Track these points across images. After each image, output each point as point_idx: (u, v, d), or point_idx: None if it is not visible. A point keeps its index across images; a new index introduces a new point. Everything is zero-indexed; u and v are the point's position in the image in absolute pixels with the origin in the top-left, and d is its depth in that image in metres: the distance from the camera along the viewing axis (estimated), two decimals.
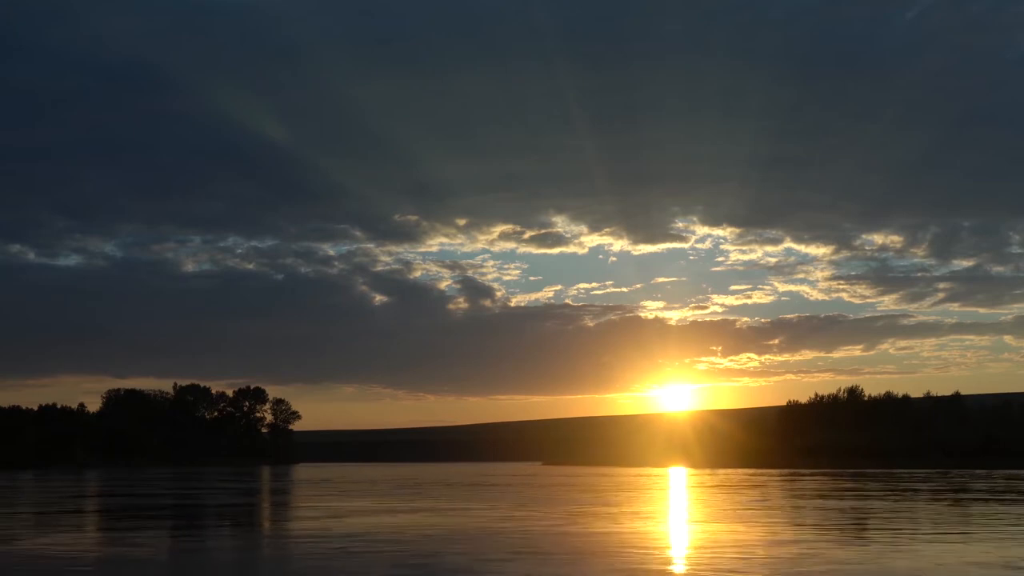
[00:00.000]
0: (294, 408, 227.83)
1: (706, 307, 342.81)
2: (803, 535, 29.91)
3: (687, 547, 27.00)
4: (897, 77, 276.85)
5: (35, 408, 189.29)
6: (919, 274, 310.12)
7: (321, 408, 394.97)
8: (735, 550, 25.47)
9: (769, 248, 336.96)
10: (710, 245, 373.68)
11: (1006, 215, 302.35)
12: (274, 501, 55.42)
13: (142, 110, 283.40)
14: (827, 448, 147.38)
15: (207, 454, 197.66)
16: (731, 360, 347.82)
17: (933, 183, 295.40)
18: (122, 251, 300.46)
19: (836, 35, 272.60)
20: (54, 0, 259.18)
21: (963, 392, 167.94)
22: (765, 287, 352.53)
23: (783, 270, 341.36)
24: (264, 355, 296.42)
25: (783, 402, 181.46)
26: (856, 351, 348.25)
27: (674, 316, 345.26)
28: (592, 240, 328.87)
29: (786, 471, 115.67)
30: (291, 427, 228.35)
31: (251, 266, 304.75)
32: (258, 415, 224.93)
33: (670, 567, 22.41)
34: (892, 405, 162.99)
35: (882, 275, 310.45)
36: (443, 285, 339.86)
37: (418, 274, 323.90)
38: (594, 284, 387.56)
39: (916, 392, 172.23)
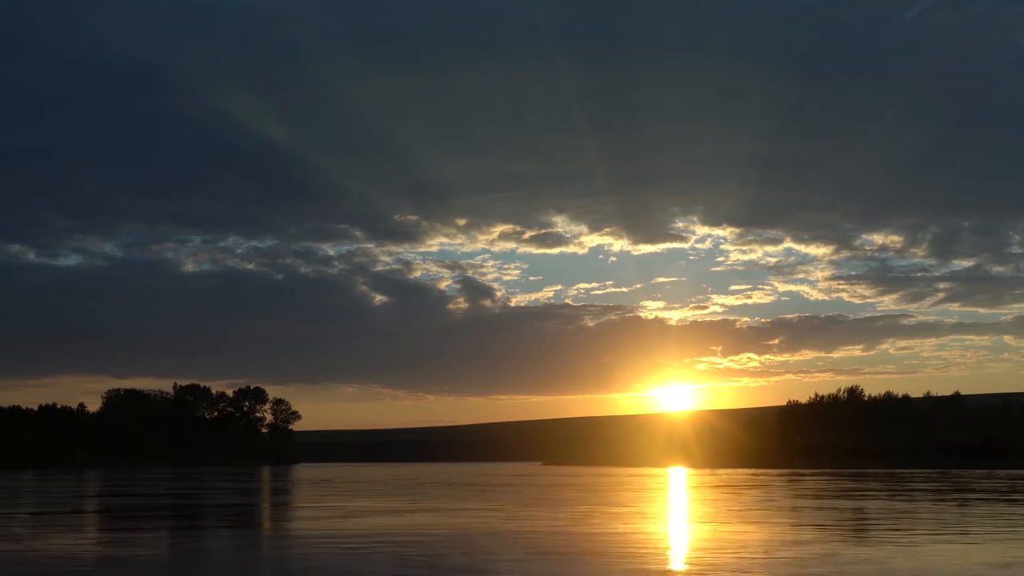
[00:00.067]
0: (294, 408, 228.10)
1: (706, 307, 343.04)
2: (818, 536, 29.91)
3: (702, 548, 26.71)
4: (897, 77, 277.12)
5: (35, 408, 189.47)
6: (919, 274, 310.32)
7: (321, 408, 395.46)
8: (752, 551, 25.46)
9: (769, 248, 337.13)
10: (710, 245, 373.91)
11: (1006, 215, 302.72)
12: (279, 501, 55.41)
13: (142, 110, 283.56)
14: (827, 448, 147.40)
15: (207, 454, 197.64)
16: (731, 360, 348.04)
17: (933, 183, 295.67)
18: (122, 251, 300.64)
19: (836, 35, 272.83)
20: (54, 0, 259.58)
21: (963, 392, 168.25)
22: (765, 287, 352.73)
23: (783, 270, 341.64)
24: (264, 355, 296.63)
25: (783, 402, 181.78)
26: (856, 351, 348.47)
27: (674, 316, 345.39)
28: (592, 240, 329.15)
29: (786, 471, 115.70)
30: (291, 427, 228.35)
31: (251, 266, 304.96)
32: (258, 415, 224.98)
33: (688, 568, 22.24)
34: (892, 405, 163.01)
35: (882, 275, 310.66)
36: (443, 285, 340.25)
37: (418, 274, 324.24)
38: (594, 284, 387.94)
39: (916, 392, 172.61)
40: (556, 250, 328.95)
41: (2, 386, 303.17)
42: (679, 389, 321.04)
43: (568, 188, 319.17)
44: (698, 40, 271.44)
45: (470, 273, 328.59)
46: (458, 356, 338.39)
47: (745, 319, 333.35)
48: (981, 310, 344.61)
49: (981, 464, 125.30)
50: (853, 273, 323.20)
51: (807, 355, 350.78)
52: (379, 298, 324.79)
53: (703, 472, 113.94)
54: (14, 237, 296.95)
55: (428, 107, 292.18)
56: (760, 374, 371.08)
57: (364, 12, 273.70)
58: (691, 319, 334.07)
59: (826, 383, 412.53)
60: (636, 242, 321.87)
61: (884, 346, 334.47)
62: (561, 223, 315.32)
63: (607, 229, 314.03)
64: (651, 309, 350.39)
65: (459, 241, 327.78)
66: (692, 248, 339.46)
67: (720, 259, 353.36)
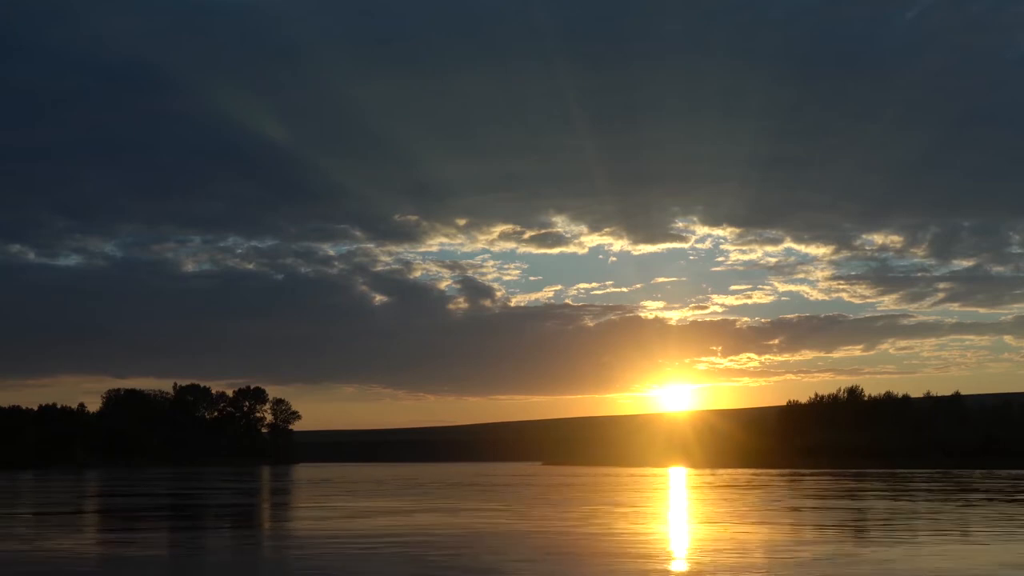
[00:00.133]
0: (294, 408, 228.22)
1: (706, 307, 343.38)
2: (832, 536, 29.90)
3: (720, 549, 26.32)
4: (897, 77, 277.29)
5: (35, 408, 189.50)
6: (919, 274, 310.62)
7: (321, 408, 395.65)
8: (767, 551, 25.43)
9: (769, 248, 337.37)
10: (710, 245, 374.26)
11: (1006, 215, 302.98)
12: (282, 502, 55.36)
13: (142, 110, 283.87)
14: (827, 448, 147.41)
15: (207, 454, 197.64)
16: (731, 360, 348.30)
17: (933, 183, 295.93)
18: (122, 251, 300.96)
19: (836, 35, 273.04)
20: (54, 0, 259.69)
21: (963, 392, 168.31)
22: (765, 287, 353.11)
23: (783, 270, 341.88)
24: (264, 355, 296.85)
25: (783, 402, 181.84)
26: (856, 351, 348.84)
27: (674, 316, 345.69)
28: (592, 240, 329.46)
29: (786, 471, 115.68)
30: (291, 427, 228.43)
31: (251, 266, 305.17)
32: (258, 415, 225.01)
33: (707, 570, 22.15)
34: (892, 405, 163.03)
35: (882, 275, 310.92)
36: (443, 285, 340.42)
37: (418, 274, 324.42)
38: (594, 284, 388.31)
39: (916, 392, 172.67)
40: (556, 250, 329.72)
41: (2, 386, 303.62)
42: (679, 389, 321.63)
43: (568, 188, 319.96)
44: (698, 40, 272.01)
45: (470, 273, 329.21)
46: (458, 356, 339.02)
47: (745, 319, 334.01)
48: (981, 310, 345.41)
49: (981, 464, 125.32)
50: (853, 273, 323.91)
51: (807, 355, 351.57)
52: (379, 298, 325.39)
53: (703, 472, 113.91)
54: (14, 237, 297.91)
55: (428, 107, 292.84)
56: (760, 374, 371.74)
57: (364, 12, 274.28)
58: (691, 319, 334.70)
59: (826, 383, 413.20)
60: (636, 242, 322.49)
61: (884, 346, 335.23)
62: (561, 223, 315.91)
63: (607, 229, 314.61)
64: (651, 309, 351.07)
65: (459, 241, 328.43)
66: (692, 248, 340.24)
67: (720, 259, 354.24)
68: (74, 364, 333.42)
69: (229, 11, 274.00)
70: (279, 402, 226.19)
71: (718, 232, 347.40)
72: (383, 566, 22.77)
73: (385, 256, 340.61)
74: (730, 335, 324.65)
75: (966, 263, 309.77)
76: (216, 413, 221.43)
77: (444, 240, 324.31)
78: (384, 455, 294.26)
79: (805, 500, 50.77)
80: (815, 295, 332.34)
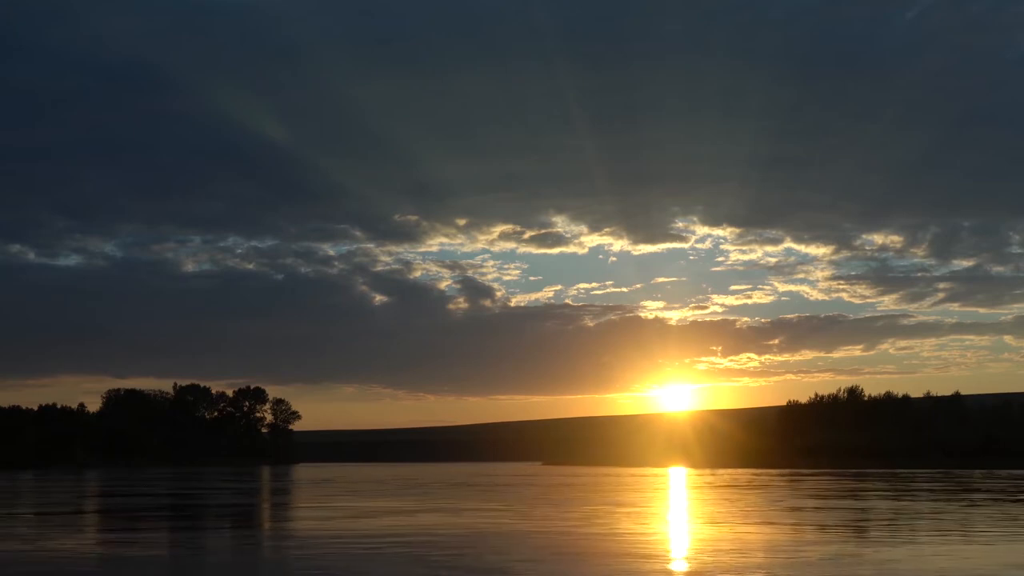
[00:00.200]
0: (294, 408, 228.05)
1: (706, 307, 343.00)
2: (834, 536, 29.91)
3: (722, 549, 26.27)
4: (897, 77, 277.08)
5: (35, 408, 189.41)
6: (919, 274, 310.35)
7: (321, 408, 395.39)
8: (773, 552, 25.41)
9: (769, 248, 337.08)
10: (710, 245, 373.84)
11: (1006, 215, 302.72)
12: (285, 502, 55.38)
13: (142, 110, 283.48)
14: (827, 448, 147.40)
15: (207, 454, 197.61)
16: (731, 360, 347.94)
17: (933, 183, 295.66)
18: (122, 251, 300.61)
19: (836, 35, 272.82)
20: (54, 0, 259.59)
21: (963, 392, 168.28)
22: (765, 287, 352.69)
23: (783, 270, 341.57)
24: (264, 355, 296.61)
25: (783, 402, 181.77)
26: (856, 351, 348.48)
27: (674, 316, 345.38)
28: (592, 240, 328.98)
29: (786, 471, 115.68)
30: (291, 427, 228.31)
31: (251, 266, 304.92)
32: (258, 415, 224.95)
33: (711, 570, 22.10)
34: (892, 405, 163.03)
35: (882, 275, 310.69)
36: (443, 285, 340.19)
37: (418, 274, 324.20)
38: (594, 284, 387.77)
39: (916, 392, 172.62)
40: (556, 250, 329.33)
41: (2, 386, 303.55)
42: (679, 389, 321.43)
43: (568, 188, 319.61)
44: (698, 40, 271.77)
45: (470, 273, 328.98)
46: (458, 356, 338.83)
47: (745, 319, 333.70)
48: (981, 310, 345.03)
49: (981, 464, 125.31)
50: (853, 273, 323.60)
51: (807, 355, 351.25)
52: (379, 298, 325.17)
53: (703, 472, 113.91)
54: (14, 237, 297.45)
55: (428, 107, 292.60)
56: (760, 374, 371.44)
57: (364, 12, 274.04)
58: (691, 319, 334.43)
59: (826, 383, 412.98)
60: (636, 242, 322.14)
61: (884, 346, 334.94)
62: (561, 223, 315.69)
63: (607, 229, 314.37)
64: (651, 309, 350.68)
65: (459, 241, 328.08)
66: (692, 248, 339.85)
67: (720, 259, 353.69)
68: (74, 364, 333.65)
69: (229, 11, 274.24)
70: (279, 402, 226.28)
71: (718, 232, 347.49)
72: (388, 567, 22.75)
73: (385, 256, 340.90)
74: (730, 335, 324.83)
75: (966, 263, 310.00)
76: (216, 413, 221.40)
77: (444, 240, 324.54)
78: (384, 455, 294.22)
79: (807, 500, 50.75)
80: (815, 295, 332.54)
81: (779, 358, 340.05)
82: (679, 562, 23.71)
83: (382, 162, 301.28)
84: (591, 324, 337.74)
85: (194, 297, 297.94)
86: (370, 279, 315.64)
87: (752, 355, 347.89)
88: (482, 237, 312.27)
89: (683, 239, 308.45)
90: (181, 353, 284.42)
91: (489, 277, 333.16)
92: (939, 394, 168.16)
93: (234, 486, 78.76)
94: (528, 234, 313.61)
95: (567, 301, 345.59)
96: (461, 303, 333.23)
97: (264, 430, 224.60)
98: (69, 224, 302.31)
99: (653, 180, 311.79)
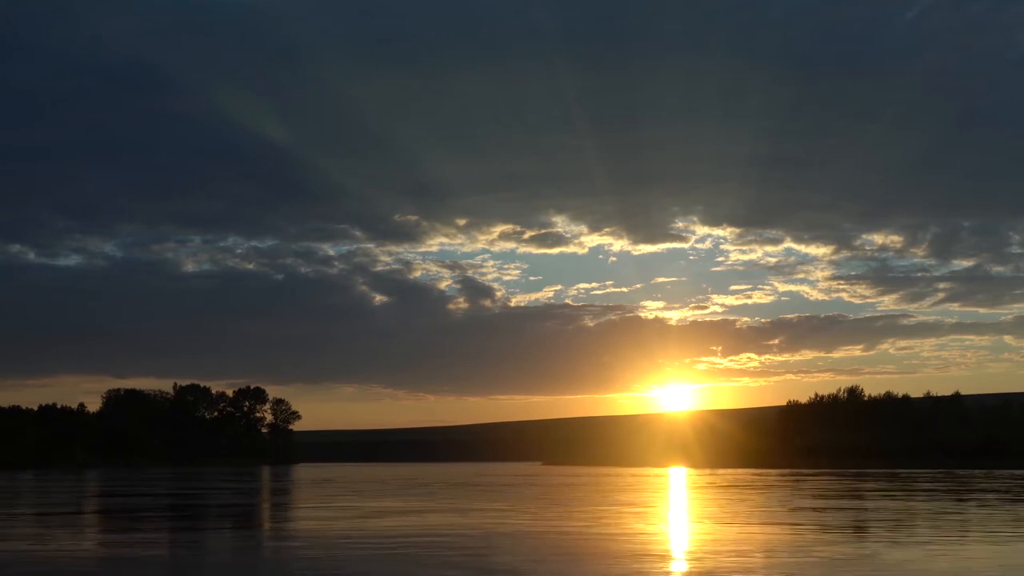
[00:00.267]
0: (294, 408, 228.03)
1: (706, 307, 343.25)
2: (844, 536, 29.89)
3: (735, 550, 26.07)
4: (897, 77, 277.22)
5: (35, 408, 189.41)
6: (919, 274, 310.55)
7: (321, 408, 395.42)
8: (786, 552, 25.38)
9: (769, 248, 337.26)
10: (710, 245, 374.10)
11: (1006, 215, 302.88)
12: (286, 502, 55.29)
13: (142, 110, 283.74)
14: (827, 448, 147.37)
15: (207, 454, 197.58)
16: (731, 360, 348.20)
17: (933, 183, 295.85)
18: (122, 251, 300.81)
19: (836, 35, 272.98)
20: (54, 0, 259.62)
21: (963, 392, 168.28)
22: (765, 287, 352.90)
23: (783, 270, 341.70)
24: (264, 355, 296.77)
25: (783, 402, 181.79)
26: (856, 351, 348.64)
27: (674, 316, 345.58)
28: (592, 240, 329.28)
29: (787, 471, 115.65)
30: (291, 427, 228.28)
31: (251, 266, 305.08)
32: (258, 415, 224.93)
33: (726, 570, 21.98)
34: (892, 405, 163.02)
35: (882, 275, 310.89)
36: (443, 285, 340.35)
37: (418, 274, 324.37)
38: (594, 284, 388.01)
39: (916, 392, 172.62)
40: (556, 250, 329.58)
41: (2, 386, 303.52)
42: (679, 389, 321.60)
43: (568, 188, 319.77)
44: (698, 40, 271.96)
45: (470, 273, 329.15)
46: (458, 356, 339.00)
47: (745, 319, 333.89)
48: (981, 310, 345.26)
49: (981, 464, 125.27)
50: (853, 273, 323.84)
51: (807, 355, 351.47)
52: (379, 298, 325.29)
53: (703, 472, 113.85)
54: (14, 237, 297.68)
55: (428, 107, 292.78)
56: (760, 374, 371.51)
57: (364, 12, 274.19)
58: (691, 319, 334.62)
59: (826, 383, 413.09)
60: (636, 242, 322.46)
61: (884, 346, 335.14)
62: (561, 223, 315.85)
63: (607, 229, 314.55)
64: (651, 309, 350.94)
65: (459, 241, 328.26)
66: (692, 248, 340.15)
67: (720, 259, 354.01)
68: (74, 364, 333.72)
69: (229, 11, 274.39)
70: (279, 402, 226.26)
71: (718, 232, 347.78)
72: (403, 567, 22.69)
73: (385, 256, 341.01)
74: (730, 335, 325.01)
75: (966, 263, 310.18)
76: (216, 413, 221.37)
77: (444, 240, 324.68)
78: (384, 455, 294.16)
79: (812, 500, 50.72)
80: (815, 295, 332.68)
81: (779, 358, 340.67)
82: (696, 562, 23.65)
83: (382, 162, 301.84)
84: (591, 324, 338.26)
85: (194, 297, 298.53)
86: (370, 279, 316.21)
87: (752, 355, 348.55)
88: (482, 237, 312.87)
89: (683, 239, 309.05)
90: (181, 353, 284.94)
91: (489, 277, 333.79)
92: (939, 394, 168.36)
93: (234, 486, 78.71)
94: (528, 234, 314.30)
95: (567, 301, 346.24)
96: (461, 303, 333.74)
97: (264, 430, 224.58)
98: (69, 224, 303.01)
99: (653, 180, 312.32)
